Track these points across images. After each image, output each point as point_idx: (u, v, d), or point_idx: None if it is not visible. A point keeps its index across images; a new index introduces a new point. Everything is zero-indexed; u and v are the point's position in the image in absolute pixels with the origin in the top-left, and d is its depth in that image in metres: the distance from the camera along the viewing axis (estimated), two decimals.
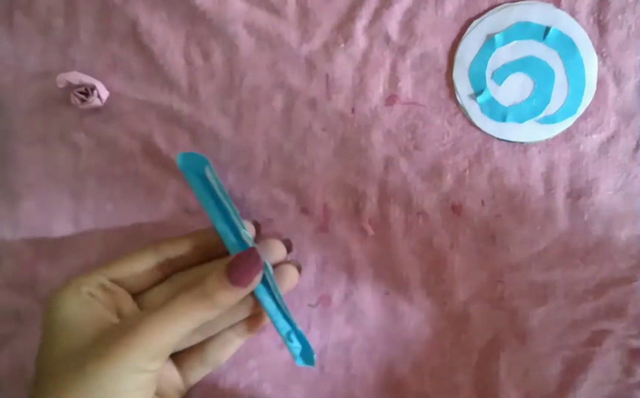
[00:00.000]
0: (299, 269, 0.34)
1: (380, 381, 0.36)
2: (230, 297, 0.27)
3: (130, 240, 0.37)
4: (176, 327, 0.26)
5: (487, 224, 0.35)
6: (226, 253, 0.31)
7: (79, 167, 0.37)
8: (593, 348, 0.34)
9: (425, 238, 0.35)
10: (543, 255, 0.34)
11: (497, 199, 0.35)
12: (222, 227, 0.30)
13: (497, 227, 0.35)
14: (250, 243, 0.30)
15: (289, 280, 0.32)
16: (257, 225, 0.34)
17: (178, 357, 0.33)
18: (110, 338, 0.26)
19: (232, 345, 0.33)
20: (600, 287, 0.34)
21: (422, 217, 0.35)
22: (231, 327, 0.32)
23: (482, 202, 0.35)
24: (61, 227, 0.37)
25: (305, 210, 0.36)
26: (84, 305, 0.28)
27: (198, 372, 0.33)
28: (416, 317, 0.36)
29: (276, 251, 0.32)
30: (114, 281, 0.30)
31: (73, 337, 0.26)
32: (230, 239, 0.30)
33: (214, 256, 0.32)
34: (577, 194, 0.34)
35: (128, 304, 0.30)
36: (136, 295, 0.32)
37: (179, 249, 0.32)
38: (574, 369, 0.34)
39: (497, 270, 0.35)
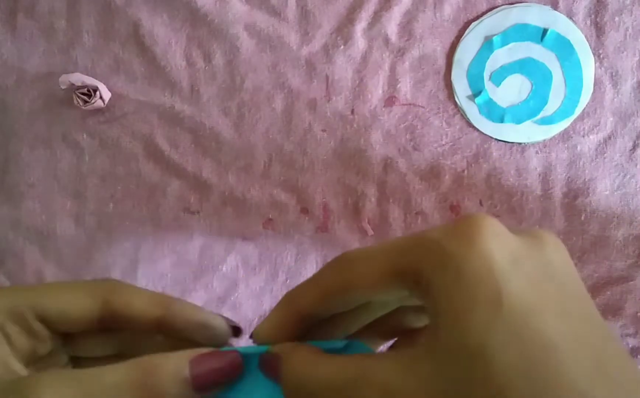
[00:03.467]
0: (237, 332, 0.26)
1: None
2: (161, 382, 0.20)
3: (132, 240, 0.37)
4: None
5: None
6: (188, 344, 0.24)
7: (81, 168, 0.37)
8: None
9: None
10: None
11: (495, 198, 0.35)
12: None
13: None
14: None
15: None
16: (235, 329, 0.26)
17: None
18: None
19: None
20: (597, 286, 0.34)
21: (421, 216, 0.35)
22: None
23: (480, 202, 0.35)
24: (64, 226, 0.37)
25: (305, 210, 0.36)
26: None
27: None
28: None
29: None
30: (44, 319, 0.22)
31: None
32: None
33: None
34: (574, 194, 0.34)
35: (61, 361, 0.24)
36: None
37: (131, 305, 0.23)
38: None
39: None
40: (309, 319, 0.23)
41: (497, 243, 0.17)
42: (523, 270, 0.17)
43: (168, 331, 0.24)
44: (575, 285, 0.18)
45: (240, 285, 0.37)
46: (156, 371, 0.20)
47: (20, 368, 0.21)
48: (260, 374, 0.22)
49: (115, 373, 0.20)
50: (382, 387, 0.18)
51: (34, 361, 0.23)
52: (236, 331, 0.25)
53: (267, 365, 0.22)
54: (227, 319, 0.24)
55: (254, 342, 0.23)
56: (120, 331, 0.24)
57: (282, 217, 0.36)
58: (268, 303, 0.36)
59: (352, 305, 0.22)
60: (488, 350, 0.16)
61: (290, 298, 0.23)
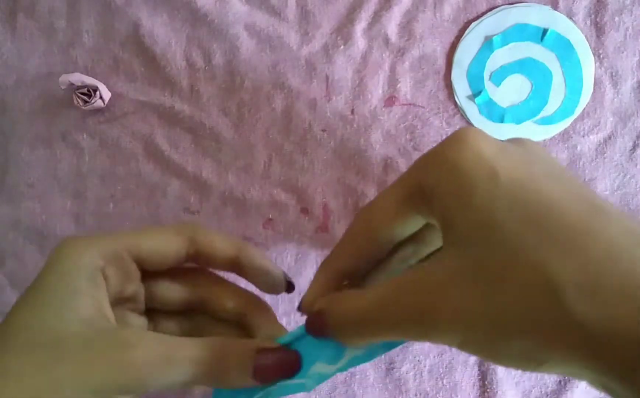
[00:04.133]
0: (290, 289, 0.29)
1: (380, 379, 0.36)
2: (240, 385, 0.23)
3: None
4: (165, 381, 0.22)
5: None
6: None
7: (81, 168, 0.37)
8: None
9: None
10: None
11: None
12: None
13: None
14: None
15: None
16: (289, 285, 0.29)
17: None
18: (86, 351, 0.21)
19: None
20: None
21: None
22: None
23: None
24: (64, 227, 0.37)
25: (305, 210, 0.36)
26: (84, 280, 0.22)
27: None
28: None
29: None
30: (138, 259, 0.25)
31: (51, 313, 0.22)
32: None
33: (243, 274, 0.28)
34: None
35: (138, 306, 0.26)
36: (151, 293, 0.27)
37: (213, 243, 0.26)
38: None
39: None
40: (349, 278, 0.24)
41: (485, 140, 0.20)
42: (511, 155, 0.19)
43: (238, 271, 0.27)
44: (558, 165, 0.20)
45: (240, 285, 0.37)
46: (226, 356, 0.23)
47: (110, 314, 0.23)
48: (312, 350, 0.24)
49: (193, 348, 0.22)
50: (417, 289, 0.19)
51: (118, 302, 0.25)
52: (289, 287, 0.28)
53: (314, 325, 0.23)
54: (285, 273, 0.28)
55: (302, 313, 0.25)
56: (192, 279, 0.27)
57: (282, 217, 0.36)
58: (268, 303, 0.36)
59: (381, 251, 0.24)
60: (497, 216, 0.18)
61: (327, 263, 0.25)
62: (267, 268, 0.27)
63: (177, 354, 0.22)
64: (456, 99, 0.35)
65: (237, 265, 0.27)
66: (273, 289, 0.28)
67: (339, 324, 0.22)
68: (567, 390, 0.34)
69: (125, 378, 0.21)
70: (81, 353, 0.21)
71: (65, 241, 0.23)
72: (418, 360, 0.36)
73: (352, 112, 0.35)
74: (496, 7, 0.34)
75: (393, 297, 0.20)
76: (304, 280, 0.36)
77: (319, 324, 0.23)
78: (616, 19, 0.33)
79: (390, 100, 0.35)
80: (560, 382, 0.35)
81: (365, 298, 0.21)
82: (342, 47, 0.35)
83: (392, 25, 0.35)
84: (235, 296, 0.28)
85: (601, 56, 0.34)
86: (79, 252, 0.23)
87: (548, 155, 0.20)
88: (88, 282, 0.22)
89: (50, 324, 0.21)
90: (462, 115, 0.35)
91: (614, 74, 0.34)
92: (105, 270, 0.24)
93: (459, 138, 0.20)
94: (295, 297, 0.34)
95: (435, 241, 0.25)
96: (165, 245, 0.25)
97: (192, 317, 0.28)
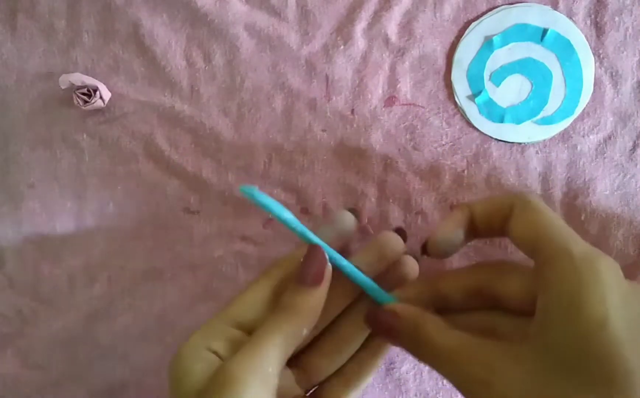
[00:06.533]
0: (403, 235, 0.31)
1: (380, 379, 0.36)
2: (307, 301, 0.26)
3: (132, 240, 0.37)
4: (278, 350, 0.24)
5: None
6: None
7: (81, 168, 0.37)
8: None
9: (424, 238, 0.35)
10: None
11: None
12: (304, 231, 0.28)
13: None
14: (316, 241, 0.28)
15: (408, 272, 0.30)
16: (355, 212, 0.31)
17: (317, 393, 0.30)
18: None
19: (372, 359, 0.30)
20: None
21: (421, 216, 0.35)
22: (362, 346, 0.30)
23: None
24: (64, 227, 0.37)
25: (305, 210, 0.36)
26: (206, 366, 0.25)
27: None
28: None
29: (392, 244, 0.30)
30: (239, 325, 0.27)
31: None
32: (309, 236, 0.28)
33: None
34: (574, 194, 0.34)
35: None
36: None
37: (288, 268, 0.28)
38: None
39: None
40: (446, 300, 0.28)
41: (615, 278, 0.21)
42: (628, 312, 0.20)
43: None
44: None
45: (240, 285, 0.37)
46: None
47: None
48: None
49: (269, 319, 0.26)
50: (486, 366, 0.22)
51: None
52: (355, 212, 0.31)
53: (384, 321, 0.27)
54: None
55: (428, 254, 0.29)
56: None
57: None
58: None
59: (484, 305, 0.27)
60: (583, 355, 0.20)
61: (436, 278, 0.29)
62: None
63: None
64: (456, 99, 0.35)
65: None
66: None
67: (410, 338, 0.26)
68: None
69: None
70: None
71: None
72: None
73: (352, 112, 0.35)
74: (496, 7, 0.34)
75: (473, 358, 0.23)
76: None
77: (390, 323, 0.26)
78: (616, 19, 0.33)
79: (390, 100, 0.35)
80: None
81: (448, 337, 0.24)
82: (342, 47, 0.35)
83: (392, 25, 0.35)
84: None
85: (601, 56, 0.34)
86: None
87: None
88: (204, 368, 0.25)
89: None
90: (462, 115, 0.35)
91: (614, 74, 0.34)
92: (220, 354, 0.26)
93: (594, 256, 0.22)
94: None
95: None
96: (253, 295, 0.28)
97: None
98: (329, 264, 0.27)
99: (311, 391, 0.30)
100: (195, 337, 0.26)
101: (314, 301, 0.26)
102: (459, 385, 0.23)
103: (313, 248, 0.27)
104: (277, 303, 0.26)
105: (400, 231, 0.31)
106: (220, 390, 0.23)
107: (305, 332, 0.26)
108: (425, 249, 0.29)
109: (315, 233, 0.28)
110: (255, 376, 0.23)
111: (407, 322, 0.26)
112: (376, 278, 0.29)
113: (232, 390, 0.22)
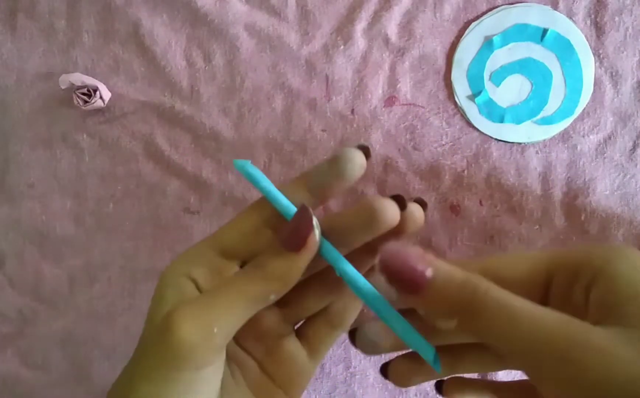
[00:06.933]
0: (423, 206, 0.25)
1: (380, 379, 0.36)
2: (285, 267, 0.23)
3: (132, 240, 0.37)
4: (232, 312, 0.22)
5: (485, 224, 0.35)
6: None
7: (81, 168, 0.37)
8: None
9: (423, 238, 0.35)
10: None
11: (495, 198, 0.35)
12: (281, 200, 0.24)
13: (495, 226, 0.35)
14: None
15: (411, 219, 0.24)
16: (365, 150, 0.25)
17: (301, 330, 0.28)
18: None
19: (357, 299, 0.27)
20: None
21: None
22: None
23: (480, 202, 0.35)
24: (63, 227, 0.37)
25: None
26: (178, 295, 0.23)
27: (327, 340, 0.28)
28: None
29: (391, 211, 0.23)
30: (224, 252, 0.24)
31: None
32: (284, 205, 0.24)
33: None
34: (574, 194, 0.34)
35: None
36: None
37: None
38: None
39: None
40: None
41: None
42: None
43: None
44: None
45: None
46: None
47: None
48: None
49: (241, 273, 0.24)
50: (600, 350, 0.17)
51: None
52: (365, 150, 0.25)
53: (395, 270, 0.20)
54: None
55: None
56: None
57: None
58: None
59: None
60: None
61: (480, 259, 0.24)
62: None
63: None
64: (456, 99, 0.35)
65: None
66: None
67: (458, 300, 0.19)
68: None
69: None
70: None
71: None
72: None
73: (352, 112, 0.35)
74: (496, 7, 0.34)
75: (570, 342, 0.17)
76: None
77: (417, 278, 0.19)
78: (616, 19, 0.33)
79: (390, 100, 0.35)
80: None
81: (520, 301, 0.19)
82: (342, 47, 0.35)
83: (392, 25, 0.35)
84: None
85: (601, 56, 0.34)
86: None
87: None
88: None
89: None
90: (462, 115, 0.35)
91: (614, 74, 0.34)
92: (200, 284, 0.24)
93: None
94: None
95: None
96: (244, 224, 0.25)
97: None
98: (316, 232, 0.23)
99: (296, 326, 0.28)
100: (177, 262, 0.24)
101: (288, 269, 0.23)
102: (527, 361, 0.18)
103: (303, 209, 0.23)
104: (255, 253, 0.23)
105: (419, 202, 0.25)
106: (159, 337, 0.22)
107: (272, 298, 0.23)
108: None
109: (310, 171, 0.24)
110: (197, 334, 0.21)
111: (448, 275, 0.19)
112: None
113: (168, 340, 0.21)
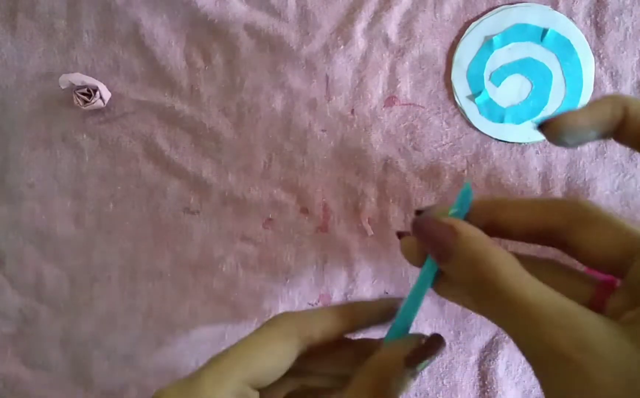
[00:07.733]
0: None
1: None
2: None
3: (132, 240, 0.37)
4: None
5: None
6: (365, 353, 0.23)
7: (81, 168, 0.37)
8: None
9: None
10: (540, 254, 0.35)
11: None
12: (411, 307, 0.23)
13: None
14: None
15: None
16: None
17: None
18: None
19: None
20: None
21: None
22: None
23: None
24: (64, 227, 0.37)
25: (305, 210, 0.36)
26: None
27: None
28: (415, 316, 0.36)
29: None
30: (254, 383, 0.22)
31: None
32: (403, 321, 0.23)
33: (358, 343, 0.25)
34: (574, 194, 0.34)
35: None
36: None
37: (324, 324, 0.23)
38: None
39: None
40: (502, 234, 0.22)
41: None
42: None
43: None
44: None
45: (240, 285, 0.37)
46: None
47: None
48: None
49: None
50: (575, 338, 0.16)
51: None
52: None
53: (425, 230, 0.20)
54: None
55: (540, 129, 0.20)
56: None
57: (282, 217, 0.36)
58: (268, 303, 0.37)
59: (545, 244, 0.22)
60: None
61: (494, 204, 0.22)
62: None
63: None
64: (456, 99, 0.35)
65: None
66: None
67: (469, 270, 0.19)
68: None
69: None
70: None
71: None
72: None
73: (352, 112, 0.35)
74: (496, 7, 0.34)
75: (557, 322, 0.16)
76: (304, 280, 0.36)
77: (443, 241, 0.19)
78: (616, 19, 0.33)
79: (390, 100, 0.35)
80: None
81: (527, 285, 0.18)
82: (342, 47, 0.35)
83: (392, 25, 0.35)
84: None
85: (601, 56, 0.34)
86: None
87: None
88: None
89: None
90: (462, 115, 0.35)
91: (614, 74, 0.34)
92: None
93: None
94: None
95: None
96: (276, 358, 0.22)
97: None
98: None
99: None
100: (207, 386, 0.21)
101: None
102: (530, 354, 0.17)
103: (437, 338, 0.21)
104: None
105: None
106: None
107: None
108: (542, 128, 0.20)
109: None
110: None
111: (469, 248, 0.19)
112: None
113: None
